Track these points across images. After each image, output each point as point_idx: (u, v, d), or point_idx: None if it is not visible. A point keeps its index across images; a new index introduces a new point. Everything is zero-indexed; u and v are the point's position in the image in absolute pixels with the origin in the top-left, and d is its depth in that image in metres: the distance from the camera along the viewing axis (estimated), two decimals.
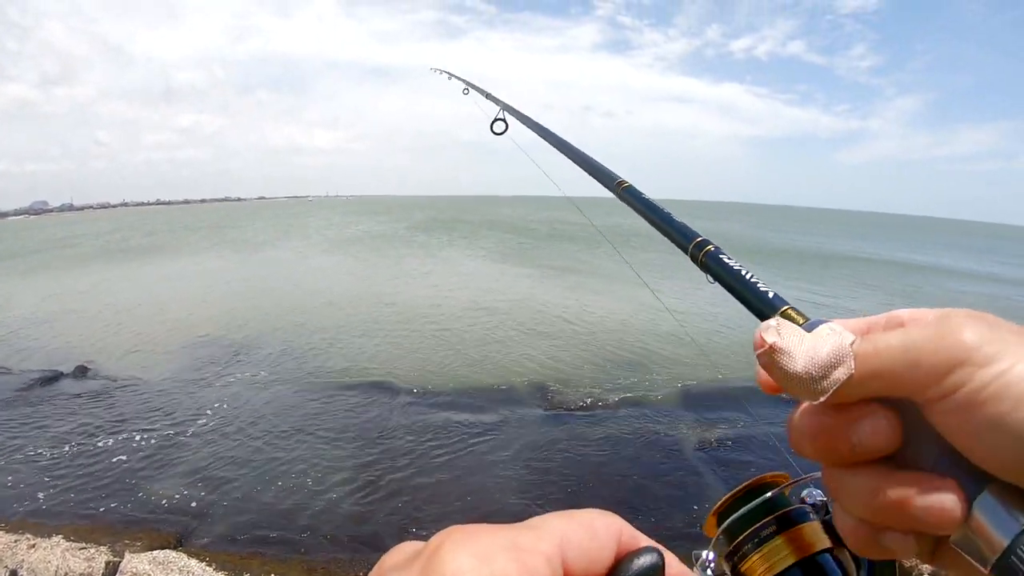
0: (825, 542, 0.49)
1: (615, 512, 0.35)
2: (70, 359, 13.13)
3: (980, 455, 0.31)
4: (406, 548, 0.33)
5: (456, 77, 2.82)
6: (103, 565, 5.63)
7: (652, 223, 0.88)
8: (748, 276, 0.58)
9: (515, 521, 0.33)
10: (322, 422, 9.56)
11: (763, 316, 0.53)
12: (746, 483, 0.53)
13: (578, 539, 0.32)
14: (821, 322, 0.38)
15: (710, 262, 0.66)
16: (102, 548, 5.96)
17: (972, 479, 0.32)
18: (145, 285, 24.44)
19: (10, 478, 7.88)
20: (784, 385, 0.35)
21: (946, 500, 0.31)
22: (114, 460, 8.34)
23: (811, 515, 0.51)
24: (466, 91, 2.52)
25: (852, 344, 0.34)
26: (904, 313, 0.38)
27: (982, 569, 0.31)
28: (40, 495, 7.43)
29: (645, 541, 0.35)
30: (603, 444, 8.74)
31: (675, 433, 9.18)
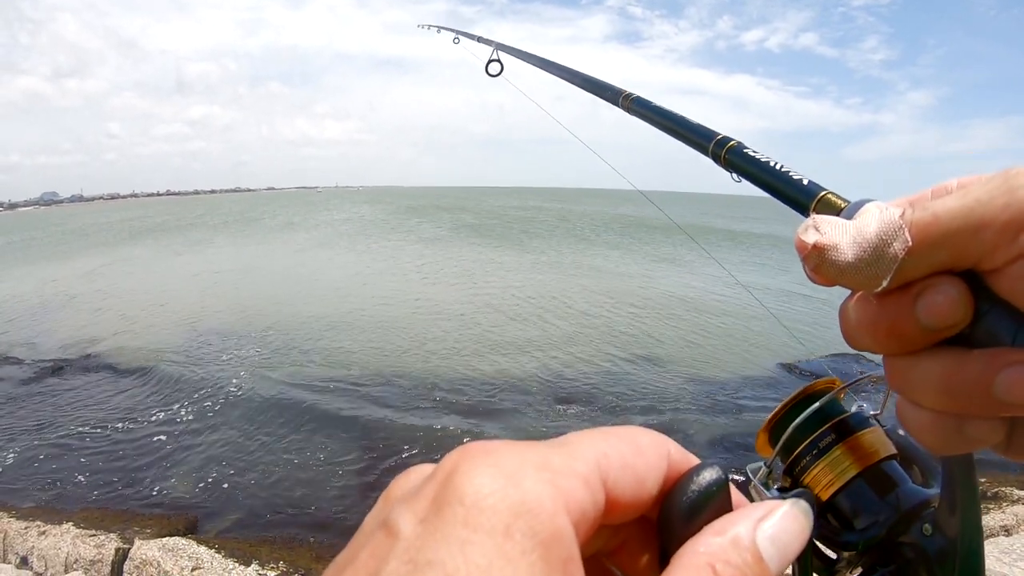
0: (890, 448, 0.47)
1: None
2: (79, 347, 13.21)
3: None
4: (416, 473, 0.27)
5: (445, 28, 2.79)
6: (113, 551, 5.66)
7: (666, 129, 0.82)
8: (777, 167, 0.54)
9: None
10: (330, 411, 9.54)
11: (801, 206, 0.49)
12: (797, 392, 0.49)
13: (621, 457, 0.27)
14: (864, 202, 0.34)
15: (734, 158, 0.62)
16: (112, 535, 5.99)
17: None
18: (159, 273, 24.55)
19: (20, 466, 7.93)
20: (841, 281, 0.31)
21: None
22: (123, 448, 8.37)
23: (871, 420, 0.48)
24: (456, 40, 2.45)
25: (903, 216, 0.30)
26: (953, 182, 0.33)
27: None
28: (50, 483, 7.48)
29: (697, 460, 0.30)
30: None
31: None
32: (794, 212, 0.53)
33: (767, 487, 0.49)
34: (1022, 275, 0.27)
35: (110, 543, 5.79)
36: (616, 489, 0.27)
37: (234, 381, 10.99)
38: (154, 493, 7.19)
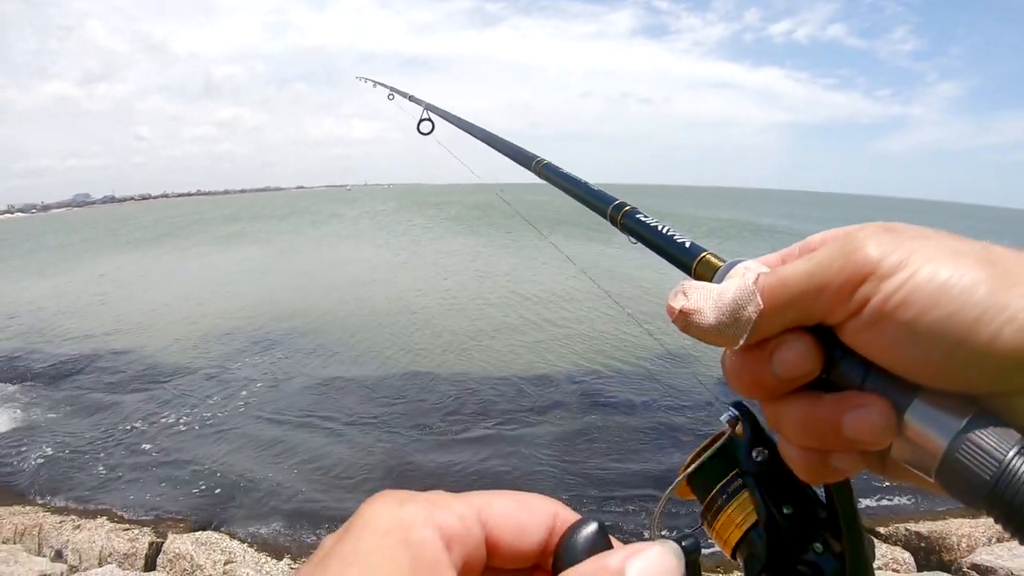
0: None
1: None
2: (113, 345, 13.42)
3: (903, 366, 0.31)
4: None
5: (380, 84, 2.88)
6: (146, 546, 5.67)
7: (571, 194, 0.88)
8: (664, 230, 0.58)
9: None
10: (358, 408, 9.54)
11: (685, 266, 0.52)
12: (710, 438, 0.52)
13: (504, 508, 0.33)
14: (736, 262, 0.39)
15: (628, 222, 0.67)
16: (145, 529, 6.01)
17: (902, 391, 0.31)
18: (189, 271, 24.96)
19: (56, 461, 8.03)
20: (705, 340, 0.36)
21: (872, 413, 0.31)
22: (156, 444, 8.44)
23: None
24: (391, 96, 2.52)
25: (757, 280, 0.34)
26: (816, 238, 0.37)
27: (928, 479, 0.31)
28: (85, 478, 7.56)
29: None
30: (628, 432, 8.52)
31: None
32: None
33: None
34: (859, 329, 0.31)
35: (144, 537, 5.80)
36: (495, 531, 0.32)
37: (263, 379, 11.06)
38: (187, 488, 7.22)
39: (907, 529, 5.57)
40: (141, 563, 5.55)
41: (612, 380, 10.36)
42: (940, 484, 0.30)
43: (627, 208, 0.69)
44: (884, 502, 6.60)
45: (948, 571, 4.97)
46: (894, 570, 5.06)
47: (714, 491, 0.51)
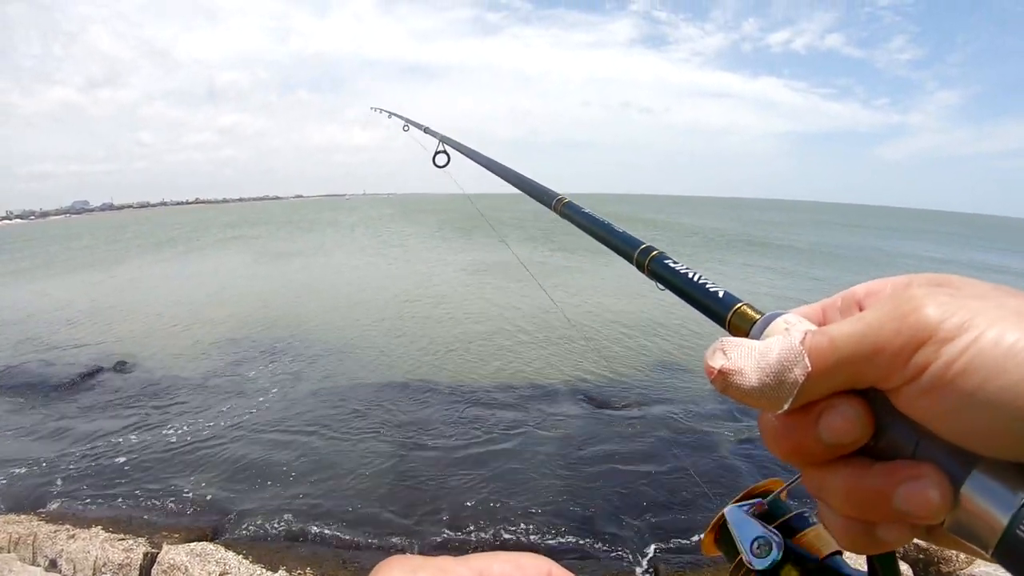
0: (832, 545, 0.48)
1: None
2: (110, 353, 13.38)
3: (961, 435, 0.28)
4: None
5: (395, 115, 2.86)
6: (141, 556, 5.62)
7: (595, 235, 0.85)
8: (696, 278, 0.56)
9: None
10: (358, 419, 9.50)
11: (717, 317, 0.50)
12: (740, 496, 0.51)
13: (502, 570, 0.36)
14: (776, 315, 0.38)
15: (657, 268, 0.64)
16: (140, 539, 5.97)
17: (958, 461, 0.29)
18: (184, 279, 24.93)
19: (50, 470, 7.98)
20: (746, 403, 0.34)
21: (927, 486, 0.29)
22: (152, 454, 8.39)
23: (811, 519, 0.50)
24: (406, 128, 2.52)
25: (804, 340, 0.32)
26: (860, 289, 0.36)
27: (985, 555, 0.29)
28: (80, 487, 7.51)
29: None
30: (636, 444, 8.50)
31: (711, 430, 8.88)
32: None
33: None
34: (916, 396, 0.29)
35: (138, 547, 5.76)
36: None
37: (260, 389, 11.04)
38: (182, 498, 7.17)
39: None
40: (136, 573, 5.51)
41: (604, 393, 10.36)
42: (998, 561, 0.29)
43: (655, 253, 0.66)
44: None
45: None
46: None
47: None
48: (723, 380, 0.34)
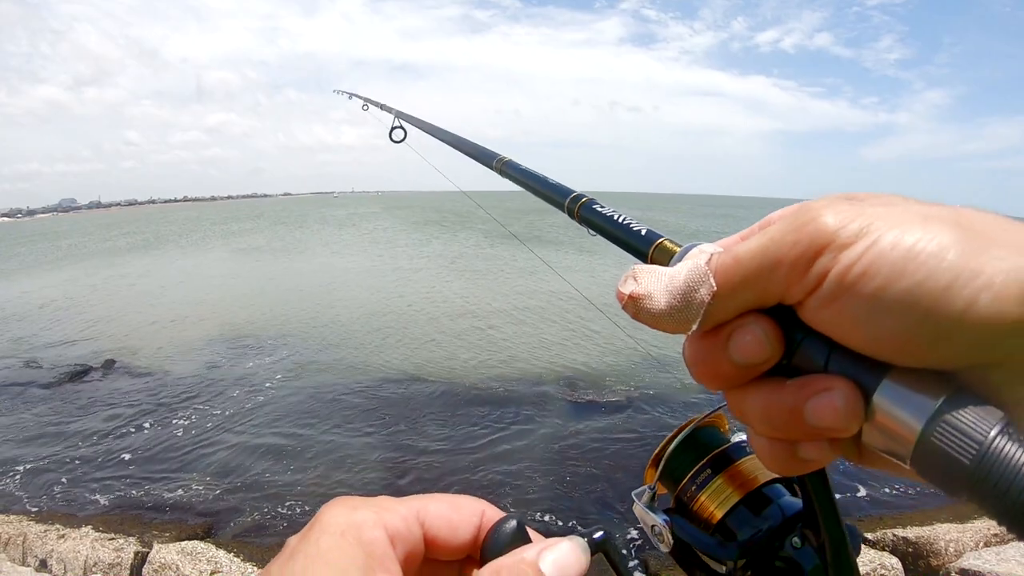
0: (767, 473, 0.50)
1: None
2: (100, 352, 13.28)
3: (870, 344, 0.28)
4: None
5: (355, 95, 2.95)
6: (132, 555, 5.60)
7: (531, 189, 0.89)
8: (620, 219, 0.58)
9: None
10: (347, 415, 9.49)
11: (641, 254, 0.52)
12: (680, 426, 0.53)
13: (439, 509, 0.38)
14: (693, 246, 0.37)
15: (585, 213, 0.66)
16: (131, 539, 5.94)
17: (869, 372, 0.28)
18: (170, 276, 24.78)
19: (40, 470, 7.93)
20: (658, 327, 0.34)
21: (835, 398, 0.29)
22: (142, 453, 8.35)
23: (748, 448, 0.52)
24: (365, 107, 2.60)
25: (710, 261, 0.32)
26: (776, 214, 0.35)
27: (903, 466, 0.28)
28: (70, 486, 7.46)
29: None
30: (622, 433, 8.56)
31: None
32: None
33: (652, 510, 0.53)
34: (819, 306, 0.28)
35: (129, 547, 5.74)
36: (432, 529, 0.37)
37: (251, 386, 10.99)
38: (172, 497, 7.14)
39: (895, 535, 5.60)
40: (126, 573, 5.48)
41: (592, 382, 10.40)
42: (916, 471, 0.27)
43: (584, 200, 0.68)
44: (871, 507, 6.65)
45: None
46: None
47: (684, 481, 0.52)
48: (634, 305, 0.34)
